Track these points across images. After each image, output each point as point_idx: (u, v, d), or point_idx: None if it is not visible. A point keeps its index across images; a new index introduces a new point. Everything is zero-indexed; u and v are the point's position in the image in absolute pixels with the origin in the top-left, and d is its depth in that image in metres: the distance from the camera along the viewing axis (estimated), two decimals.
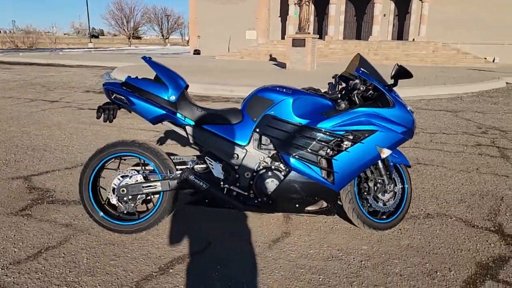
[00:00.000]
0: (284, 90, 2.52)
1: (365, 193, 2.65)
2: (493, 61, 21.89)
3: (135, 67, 14.39)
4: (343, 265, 2.29)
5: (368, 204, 2.67)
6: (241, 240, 2.57)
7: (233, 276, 2.17)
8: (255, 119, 2.51)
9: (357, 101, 2.51)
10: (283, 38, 27.85)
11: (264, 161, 2.53)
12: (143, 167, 2.63)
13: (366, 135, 2.40)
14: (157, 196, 2.62)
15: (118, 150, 2.54)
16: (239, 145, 2.51)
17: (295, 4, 25.72)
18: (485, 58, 20.90)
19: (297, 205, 2.51)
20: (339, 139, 2.41)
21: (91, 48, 45.21)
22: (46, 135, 5.13)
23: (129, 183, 2.53)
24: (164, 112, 2.44)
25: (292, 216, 2.89)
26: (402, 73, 2.35)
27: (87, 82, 11.26)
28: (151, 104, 2.43)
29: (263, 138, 2.52)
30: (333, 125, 2.40)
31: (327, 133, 2.40)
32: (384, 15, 25.10)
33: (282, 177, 2.48)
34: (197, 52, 29.79)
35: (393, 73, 2.38)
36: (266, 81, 10.54)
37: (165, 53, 32.87)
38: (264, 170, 2.50)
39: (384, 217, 2.69)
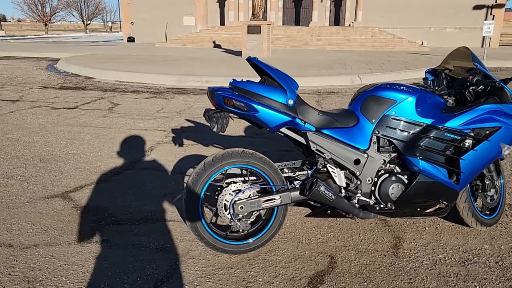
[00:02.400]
0: (404, 88, 2.37)
1: (480, 191, 2.62)
2: (422, 44, 23.47)
3: (83, 58, 13.21)
4: (485, 268, 2.24)
5: (480, 202, 2.65)
6: (362, 251, 2.41)
7: None
8: (373, 120, 2.34)
9: (472, 98, 2.45)
10: (222, 24, 27.37)
11: (386, 165, 2.38)
12: (257, 180, 2.35)
13: (489, 132, 2.35)
14: (263, 210, 2.37)
15: (231, 162, 2.23)
16: (360, 150, 2.33)
17: None
18: (422, 43, 22.30)
19: (418, 209, 2.41)
20: (465, 138, 2.33)
21: (3, 36, 40.74)
22: (42, 143, 4.46)
23: (249, 199, 2.25)
24: (289, 118, 2.18)
25: (385, 219, 2.78)
26: None
27: (35, 77, 10.07)
28: (275, 111, 2.15)
29: (382, 140, 2.36)
30: (460, 123, 2.31)
31: (455, 132, 2.30)
32: (321, 1, 25.65)
33: (406, 181, 2.35)
34: (131, 39, 28.21)
35: None
36: (237, 69, 10.24)
37: (95, 41, 30.64)
38: (387, 175, 2.35)
39: (488, 212, 2.69)
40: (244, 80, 2.27)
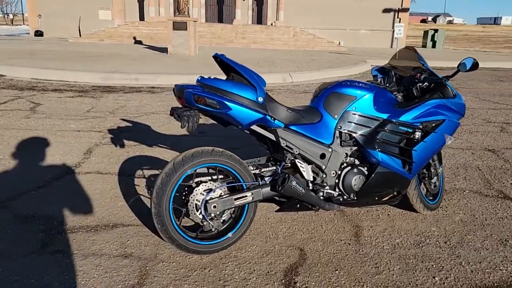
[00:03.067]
0: (362, 85, 2.50)
1: (426, 178, 2.85)
2: (339, 44, 24.84)
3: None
4: (437, 248, 2.46)
5: (425, 188, 2.88)
6: (327, 241, 2.50)
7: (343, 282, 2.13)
8: (336, 116, 2.44)
9: (418, 94, 2.66)
10: (142, 19, 26.38)
11: (348, 159, 2.49)
12: (226, 178, 2.32)
13: (435, 124, 2.57)
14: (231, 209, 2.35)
15: (201, 161, 2.18)
16: (325, 144, 2.41)
17: None
18: (339, 43, 23.54)
19: (377, 198, 2.57)
20: (415, 131, 2.53)
21: None
22: (27, 147, 3.96)
23: (220, 197, 2.21)
24: (261, 115, 2.18)
25: (343, 209, 2.91)
26: (474, 66, 2.56)
27: None
28: (247, 108, 2.13)
29: (344, 135, 2.47)
30: (412, 117, 2.50)
31: (407, 126, 2.49)
32: (244, 0, 25.90)
33: (367, 173, 2.49)
34: (39, 33, 25.96)
35: (468, 67, 2.56)
36: (166, 66, 9.94)
37: None
38: (349, 168, 2.47)
39: (431, 198, 2.94)
40: (212, 77, 2.23)
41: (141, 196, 3.04)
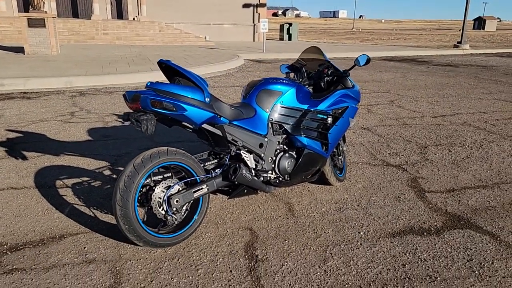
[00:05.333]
0: (285, 81, 2.90)
1: (336, 156, 3.41)
2: (205, 38, 25.34)
3: None
4: (353, 211, 3.03)
5: (335, 164, 3.45)
6: (269, 218, 2.87)
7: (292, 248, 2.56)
8: (267, 110, 2.80)
9: (325, 86, 3.19)
10: None
11: (280, 146, 2.88)
12: (180, 174, 2.49)
13: (342, 110, 3.14)
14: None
15: (160, 161, 2.32)
16: (262, 135, 2.76)
17: None
18: (205, 38, 23.95)
19: (304, 176, 3.02)
20: (329, 117, 3.04)
21: None
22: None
23: (180, 192, 2.38)
24: (212, 114, 2.40)
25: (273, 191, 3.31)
26: (368, 61, 3.16)
27: None
28: (199, 108, 2.34)
29: (275, 125, 2.85)
30: (327, 106, 3.01)
31: (323, 113, 2.99)
32: None
33: (295, 156, 2.92)
34: None
35: (363, 62, 3.14)
36: (31, 69, 8.99)
37: None
38: (282, 153, 2.86)
39: (339, 172, 3.54)
40: (160, 81, 2.37)
41: (75, 205, 2.97)
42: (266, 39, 28.24)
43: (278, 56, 16.12)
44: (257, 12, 27.57)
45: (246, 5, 27.28)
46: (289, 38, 30.07)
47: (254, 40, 27.81)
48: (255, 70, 11.76)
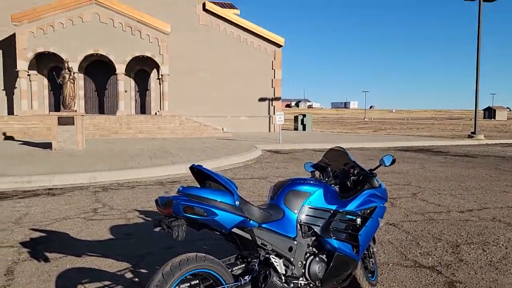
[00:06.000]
0: (312, 182, 2.92)
1: (367, 258, 3.28)
2: (223, 130, 26.26)
3: None
4: None
5: (366, 267, 3.30)
6: None
7: None
8: (295, 211, 2.78)
9: (352, 185, 3.19)
10: (11, 113, 24.47)
11: (310, 248, 2.80)
12: (208, 281, 2.39)
13: (370, 211, 3.09)
14: None
15: (189, 268, 2.25)
16: (291, 238, 2.70)
17: (28, 76, 23.45)
18: (222, 129, 24.85)
19: (335, 282, 2.88)
20: (357, 217, 2.99)
21: None
22: None
23: None
24: (242, 218, 2.39)
25: None
26: (393, 161, 3.19)
27: None
28: (229, 213, 2.33)
29: (304, 227, 2.80)
30: (355, 206, 2.97)
31: (352, 214, 2.94)
32: (126, 91, 26.10)
33: (326, 260, 2.81)
34: None
35: (388, 163, 3.17)
36: (56, 165, 9.31)
37: None
38: (312, 257, 2.77)
39: (370, 275, 3.37)
40: (192, 186, 2.41)
41: None
42: (282, 130, 29.17)
43: (294, 147, 16.45)
44: (272, 105, 28.82)
45: (262, 99, 28.64)
46: (304, 129, 30.97)
47: (270, 131, 28.67)
48: (273, 161, 11.94)
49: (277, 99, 29.01)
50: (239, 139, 19.60)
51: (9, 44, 23.91)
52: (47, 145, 14.24)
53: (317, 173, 3.43)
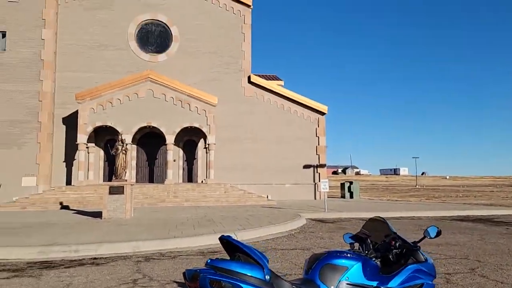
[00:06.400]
0: (350, 255, 2.76)
1: None
2: (267, 198, 26.08)
3: None
4: None
5: None
6: None
7: None
8: (332, 287, 2.61)
9: (394, 259, 2.98)
10: (69, 183, 25.92)
11: None
12: None
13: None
14: None
15: None
16: None
17: (86, 148, 25.10)
18: (267, 197, 24.73)
19: None
20: None
21: None
22: None
23: None
24: None
25: None
26: (439, 232, 2.98)
27: None
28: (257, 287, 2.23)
29: None
30: (398, 283, 2.75)
31: None
32: (174, 161, 27.08)
33: None
34: None
35: (433, 235, 2.97)
36: (107, 234, 9.55)
37: None
38: None
39: None
40: (220, 259, 2.35)
41: None
42: (328, 197, 28.51)
43: (341, 215, 15.90)
44: (317, 172, 28.54)
45: (306, 166, 28.53)
46: (351, 196, 30.11)
47: (315, 198, 28.10)
48: (317, 230, 11.53)
49: (322, 166, 28.77)
50: (283, 207, 19.33)
51: (72, 120, 26.03)
52: (98, 214, 14.75)
53: (356, 245, 3.25)
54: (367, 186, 64.33)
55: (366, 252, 3.06)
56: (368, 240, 3.14)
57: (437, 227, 2.99)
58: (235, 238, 2.46)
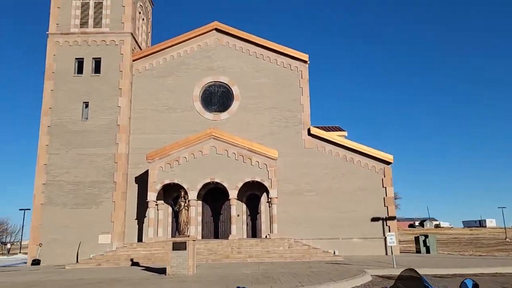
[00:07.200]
0: None
1: None
2: (334, 253, 25.00)
3: None
4: None
5: None
6: None
7: None
8: None
9: None
10: (140, 240, 27.03)
11: None
12: None
13: None
14: None
15: None
16: None
17: (156, 205, 26.32)
18: (334, 252, 23.78)
19: None
20: None
21: None
22: None
23: None
24: None
25: None
26: (474, 285, 2.74)
27: None
28: None
29: None
30: None
31: None
32: (238, 215, 27.30)
33: None
34: (36, 262, 25.76)
35: None
36: None
37: None
38: None
39: None
40: None
41: None
42: (402, 252, 26.59)
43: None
44: (387, 225, 27.04)
45: (374, 219, 27.19)
46: (427, 251, 27.84)
47: (386, 254, 26.38)
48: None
49: (392, 218, 27.24)
50: (349, 263, 18.41)
51: (143, 178, 27.67)
52: (163, 271, 15.12)
53: None
54: (449, 240, 59.23)
55: None
56: None
57: (473, 280, 2.73)
58: None
